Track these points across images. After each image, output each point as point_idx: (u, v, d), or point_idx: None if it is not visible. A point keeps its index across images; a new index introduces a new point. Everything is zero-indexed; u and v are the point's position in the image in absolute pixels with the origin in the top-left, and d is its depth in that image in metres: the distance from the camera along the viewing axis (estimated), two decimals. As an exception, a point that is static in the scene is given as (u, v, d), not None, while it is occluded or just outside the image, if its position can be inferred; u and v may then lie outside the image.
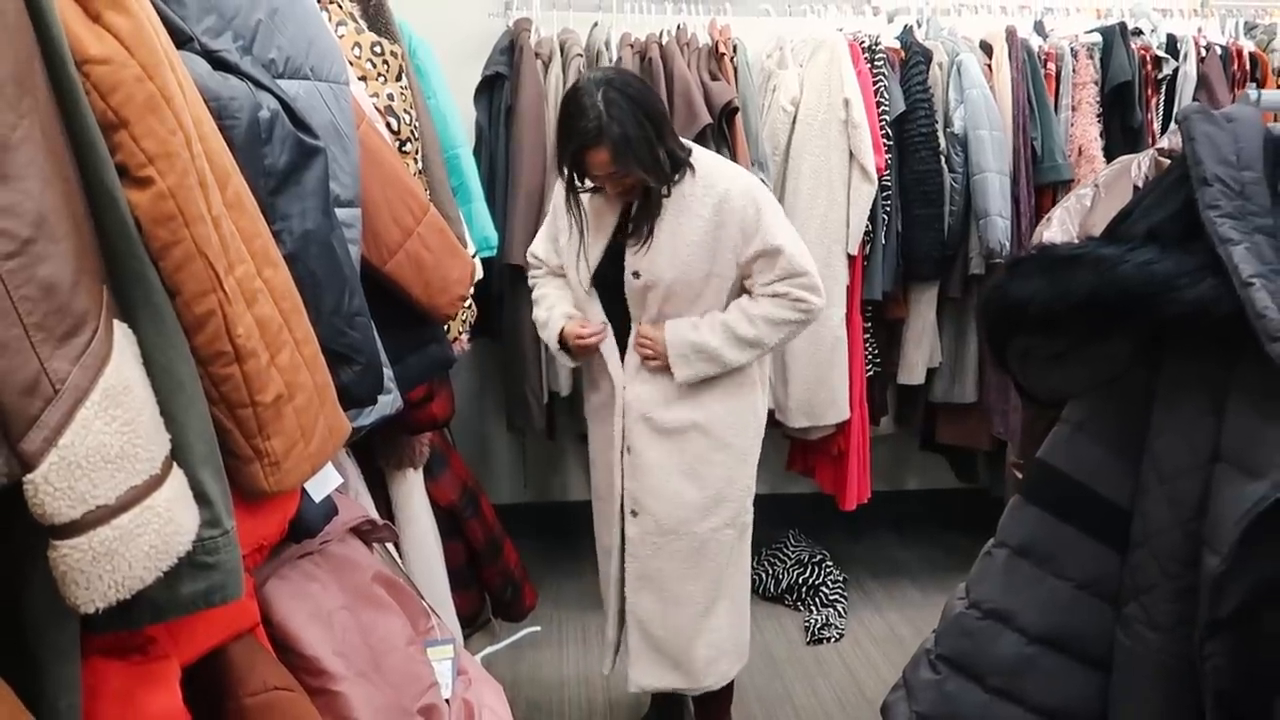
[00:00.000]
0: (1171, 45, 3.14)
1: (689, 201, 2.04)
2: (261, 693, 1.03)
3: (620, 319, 2.16)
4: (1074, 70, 3.06)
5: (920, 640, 1.20)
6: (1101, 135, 3.05)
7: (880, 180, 2.89)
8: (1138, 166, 1.95)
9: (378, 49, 1.86)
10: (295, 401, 1.00)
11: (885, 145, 2.91)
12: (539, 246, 2.32)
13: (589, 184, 2.08)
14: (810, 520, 3.54)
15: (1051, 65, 3.07)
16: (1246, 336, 0.86)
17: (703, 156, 2.11)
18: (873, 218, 2.92)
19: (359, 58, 1.82)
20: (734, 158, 2.78)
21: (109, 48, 0.80)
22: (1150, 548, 0.99)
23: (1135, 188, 1.90)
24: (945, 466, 3.61)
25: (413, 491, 2.21)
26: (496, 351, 3.23)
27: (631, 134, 1.91)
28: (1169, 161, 1.54)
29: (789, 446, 3.32)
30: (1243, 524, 0.86)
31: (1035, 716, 1.07)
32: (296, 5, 1.26)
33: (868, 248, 2.97)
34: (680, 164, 2.03)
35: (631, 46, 2.91)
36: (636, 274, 2.08)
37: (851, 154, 2.87)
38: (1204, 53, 3.10)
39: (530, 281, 2.36)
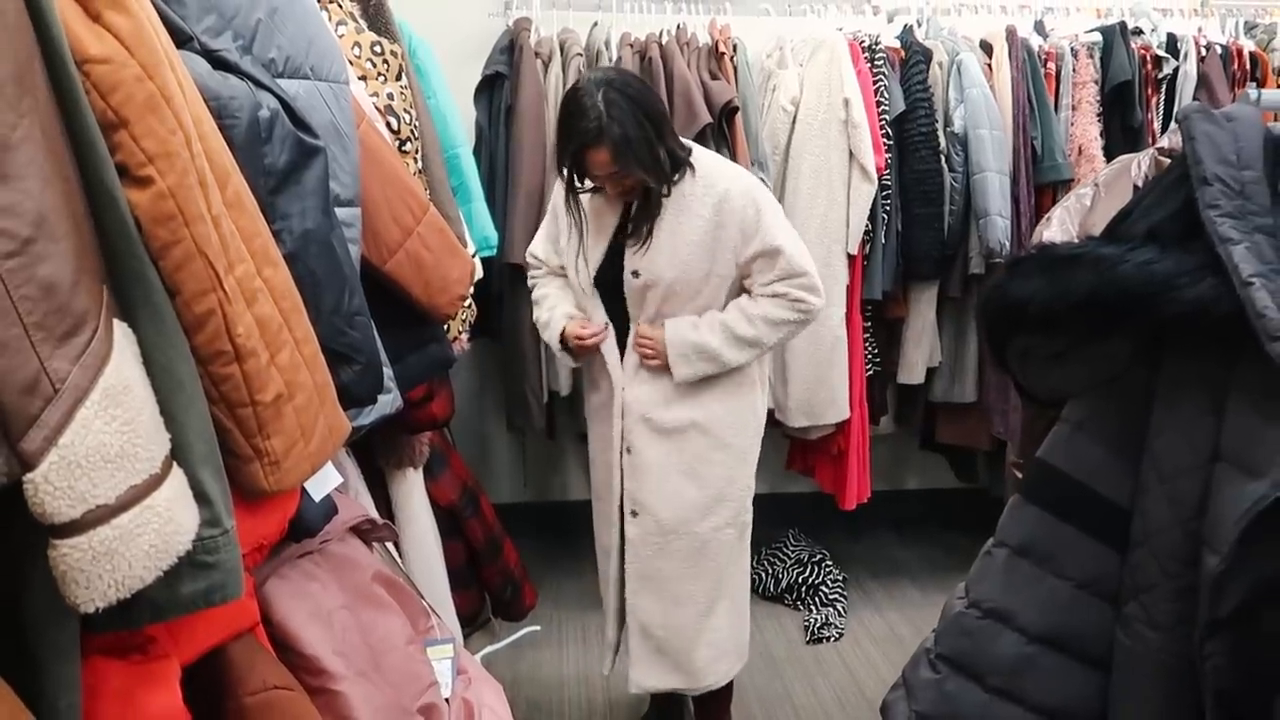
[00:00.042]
0: (1171, 45, 3.14)
1: (689, 201, 2.04)
2: (261, 692, 1.03)
3: (620, 319, 2.16)
4: (1074, 70, 3.06)
5: (920, 640, 1.20)
6: (1101, 135, 3.05)
7: (880, 180, 2.89)
8: (1138, 166, 1.95)
9: (377, 48, 1.86)
10: (295, 401, 1.00)
11: (885, 145, 2.91)
12: (538, 247, 2.32)
13: (589, 184, 2.08)
14: (810, 520, 3.54)
15: (1051, 65, 3.07)
16: (1246, 336, 0.86)
17: (703, 156, 2.11)
18: (873, 217, 2.92)
19: (359, 57, 1.82)
20: (734, 157, 2.78)
21: (109, 47, 0.80)
22: (1150, 547, 0.99)
23: (1135, 187, 1.90)
24: (945, 466, 3.61)
25: (413, 491, 2.21)
26: (496, 351, 3.23)
27: (632, 134, 1.92)
28: (1169, 161, 1.54)
29: (789, 446, 3.32)
30: (1242, 523, 0.86)
31: (1035, 716, 1.07)
32: (296, 5, 1.26)
33: (868, 247, 2.97)
34: (680, 164, 2.03)
35: (631, 46, 2.91)
36: (635, 273, 2.08)
37: (851, 153, 2.87)
38: (1204, 52, 3.10)
39: (530, 282, 2.36)
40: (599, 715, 2.69)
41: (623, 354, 2.16)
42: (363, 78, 1.81)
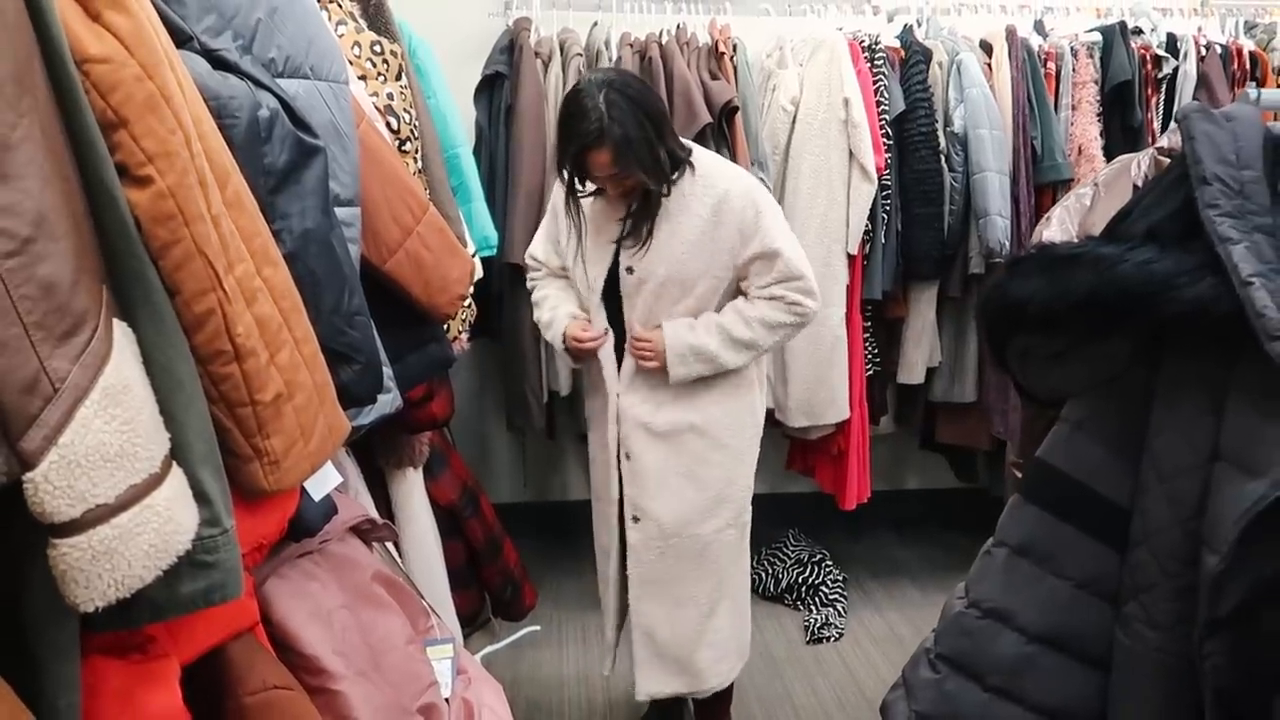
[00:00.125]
0: (1171, 44, 3.14)
1: (688, 201, 2.04)
2: (261, 691, 1.03)
3: (619, 326, 2.16)
4: (1074, 69, 3.06)
5: (920, 640, 1.20)
6: (1101, 134, 3.05)
7: (880, 180, 2.90)
8: (1137, 166, 1.95)
9: (377, 48, 1.86)
10: (295, 400, 1.00)
11: (885, 144, 2.91)
12: (538, 248, 2.31)
13: (589, 186, 2.08)
14: (810, 520, 3.54)
15: (1051, 64, 3.07)
16: (1246, 335, 0.86)
17: (703, 156, 2.11)
18: (872, 217, 2.92)
19: (359, 57, 1.82)
20: (734, 157, 2.78)
21: (109, 47, 0.80)
22: (1150, 546, 0.99)
23: (1135, 187, 1.90)
24: (945, 466, 3.61)
25: (412, 491, 2.21)
26: (496, 351, 3.23)
27: (633, 135, 1.91)
28: (1168, 160, 1.54)
29: (789, 446, 3.32)
30: (1242, 523, 0.86)
31: (1035, 715, 1.07)
32: (296, 4, 1.26)
33: (867, 247, 2.97)
34: (680, 164, 2.03)
35: (631, 46, 2.91)
36: (630, 270, 2.08)
37: (851, 153, 2.87)
38: (1204, 52, 3.10)
39: (530, 284, 2.35)
40: (599, 715, 2.69)
41: (620, 361, 2.16)
42: (362, 77, 1.81)
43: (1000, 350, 1.05)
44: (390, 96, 1.89)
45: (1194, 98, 3.05)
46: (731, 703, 2.49)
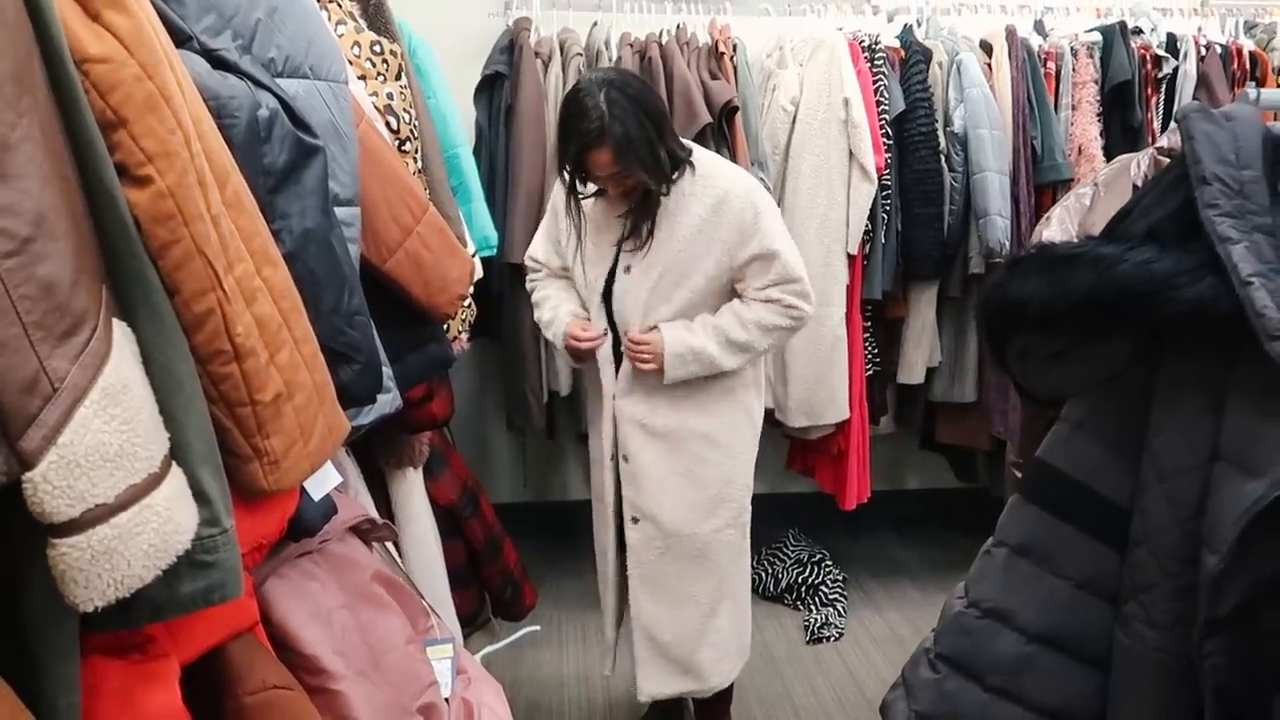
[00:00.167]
0: (1171, 44, 3.14)
1: (688, 200, 2.04)
2: (260, 691, 1.03)
3: (616, 329, 2.16)
4: (1074, 69, 3.06)
5: (920, 639, 1.20)
6: (1101, 134, 3.05)
7: (880, 179, 2.90)
8: (1137, 165, 1.94)
9: (377, 48, 1.86)
10: (294, 400, 1.00)
11: (885, 144, 2.91)
12: (538, 249, 2.31)
13: (590, 187, 2.08)
14: (810, 520, 3.54)
15: (1051, 64, 3.07)
16: (1246, 335, 0.86)
17: (703, 156, 2.11)
18: (872, 217, 2.92)
19: (358, 57, 1.82)
20: (734, 157, 2.78)
21: (108, 47, 0.80)
22: (1149, 546, 0.99)
23: (1134, 187, 1.90)
24: (945, 466, 3.61)
25: (412, 491, 2.21)
26: (496, 351, 3.23)
27: (634, 134, 1.91)
28: (1168, 160, 1.54)
29: (789, 446, 3.32)
30: (1241, 523, 0.86)
31: (1034, 715, 1.07)
32: (296, 4, 1.26)
33: (867, 247, 2.97)
34: (680, 163, 2.03)
35: (631, 46, 2.91)
36: (628, 269, 2.08)
37: (851, 153, 2.87)
38: (1204, 52, 3.10)
39: (529, 285, 2.34)
40: (599, 715, 2.69)
41: (618, 365, 2.16)
42: (362, 77, 1.81)
43: (1000, 350, 1.05)
44: (390, 96, 1.89)
45: (1194, 98, 3.05)
46: (731, 703, 2.49)
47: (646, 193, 2.01)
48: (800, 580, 3.28)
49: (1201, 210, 0.91)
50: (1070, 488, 1.06)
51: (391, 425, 1.80)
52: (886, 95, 2.92)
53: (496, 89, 2.95)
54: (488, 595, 2.66)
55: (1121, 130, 3.08)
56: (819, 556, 3.36)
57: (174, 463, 0.82)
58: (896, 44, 3.03)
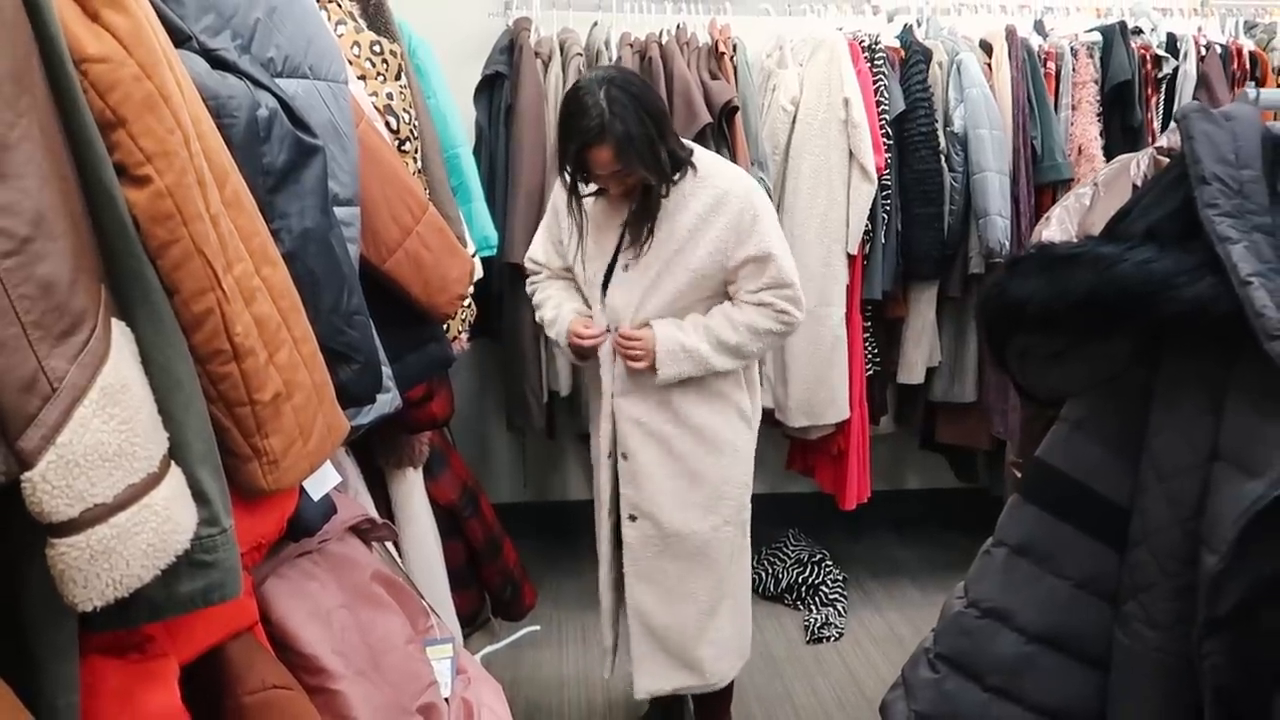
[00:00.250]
0: (1171, 44, 3.14)
1: (687, 199, 2.04)
2: (260, 691, 1.03)
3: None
4: (1074, 69, 3.06)
5: (920, 639, 1.20)
6: (1101, 134, 3.05)
7: (880, 179, 2.89)
8: (1137, 165, 1.94)
9: (377, 48, 1.86)
10: (294, 400, 1.00)
11: (885, 144, 2.91)
12: (538, 250, 2.30)
13: (591, 187, 2.08)
14: (810, 520, 3.54)
15: (1051, 64, 3.07)
16: (1245, 335, 0.86)
17: (704, 156, 2.11)
18: (872, 217, 2.92)
19: (358, 56, 1.82)
20: (734, 157, 2.78)
21: (107, 46, 0.80)
22: (1149, 546, 0.99)
23: (1134, 186, 1.90)
24: (945, 466, 3.61)
25: (412, 491, 2.21)
26: (496, 351, 3.23)
27: (634, 132, 1.91)
28: (1168, 160, 1.54)
29: (789, 446, 3.32)
30: (1240, 522, 0.86)
31: (1034, 715, 1.07)
32: (295, 4, 1.26)
33: (867, 247, 2.97)
34: (681, 163, 2.03)
35: (631, 46, 2.91)
36: (626, 267, 2.08)
37: (851, 153, 2.87)
38: (1204, 52, 3.10)
39: (529, 287, 2.34)
40: (599, 715, 2.69)
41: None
42: (362, 77, 1.81)
43: (1000, 350, 1.05)
44: (390, 96, 1.89)
45: (1194, 98, 3.05)
46: (731, 702, 2.49)
47: (647, 192, 2.01)
48: (800, 580, 3.28)
49: (1201, 210, 0.91)
50: (1070, 487, 1.06)
51: (391, 425, 1.80)
52: (886, 95, 2.92)
53: (496, 89, 2.95)
54: (488, 595, 2.66)
55: (1121, 130, 3.08)
56: (819, 556, 3.36)
57: (173, 462, 0.82)
58: (896, 44, 3.03)
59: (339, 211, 1.29)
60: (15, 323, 0.68)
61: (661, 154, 1.97)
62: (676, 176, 2.02)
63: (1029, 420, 2.27)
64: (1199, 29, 3.19)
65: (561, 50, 2.97)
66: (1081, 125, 3.05)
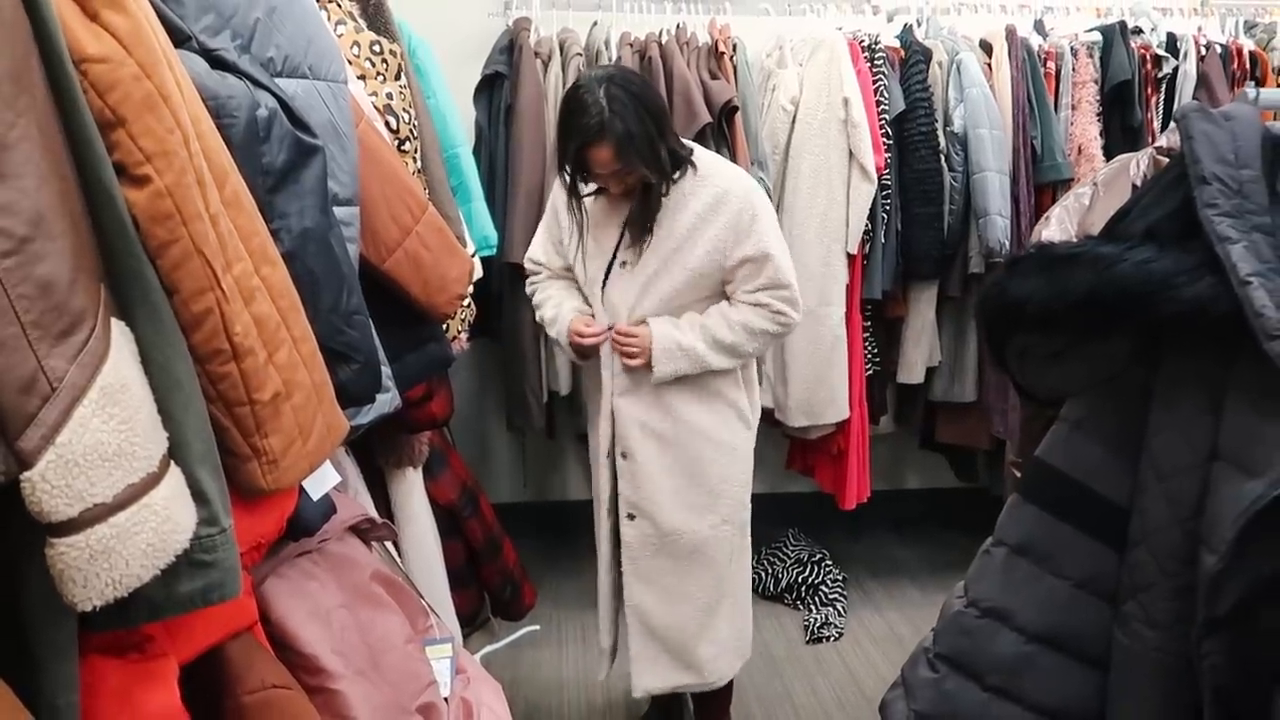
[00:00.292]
0: (1171, 44, 3.14)
1: (686, 198, 2.04)
2: (259, 691, 1.03)
3: None
4: (1074, 69, 3.06)
5: (919, 639, 1.20)
6: (1101, 134, 3.05)
7: (880, 179, 2.90)
8: (1136, 165, 1.94)
9: (377, 48, 1.86)
10: (293, 399, 1.00)
11: (885, 144, 2.91)
12: (538, 250, 2.30)
13: (591, 186, 2.08)
14: (810, 519, 3.55)
15: (1051, 64, 3.07)
16: (1244, 335, 0.86)
17: (704, 156, 2.11)
18: (872, 217, 2.92)
19: (358, 56, 1.82)
20: (733, 157, 2.78)
21: (107, 46, 0.80)
22: (1148, 546, 0.99)
23: (1134, 186, 1.90)
24: (945, 465, 3.61)
25: (412, 490, 2.21)
26: (496, 351, 3.23)
27: (634, 130, 1.91)
28: (1167, 160, 1.54)
29: (789, 446, 3.32)
30: (1240, 522, 0.86)
31: (1033, 715, 1.07)
32: (295, 4, 1.26)
33: (867, 247, 2.97)
34: (681, 162, 2.03)
35: (631, 46, 2.91)
36: (625, 264, 2.08)
37: (851, 153, 2.87)
38: (1204, 51, 3.10)
39: (529, 287, 2.34)
40: (599, 715, 2.69)
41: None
42: (362, 77, 1.81)
43: (999, 350, 1.05)
44: (389, 96, 1.89)
45: (1194, 97, 3.05)
46: (731, 702, 2.49)
47: (647, 191, 2.01)
48: (800, 580, 3.28)
49: (1200, 210, 0.91)
50: (1069, 487, 1.06)
51: (391, 425, 1.80)
52: (886, 95, 2.92)
53: (496, 89, 2.96)
54: (487, 595, 2.66)
55: (1121, 130, 3.08)
56: (819, 556, 3.37)
57: (172, 462, 0.82)
58: (896, 44, 3.03)
59: (338, 211, 1.29)
60: (14, 322, 0.68)
61: (661, 152, 1.97)
62: (676, 175, 2.02)
63: (1028, 420, 2.27)
64: (1199, 29, 3.19)
65: (561, 50, 2.97)
66: (1081, 125, 3.05)
